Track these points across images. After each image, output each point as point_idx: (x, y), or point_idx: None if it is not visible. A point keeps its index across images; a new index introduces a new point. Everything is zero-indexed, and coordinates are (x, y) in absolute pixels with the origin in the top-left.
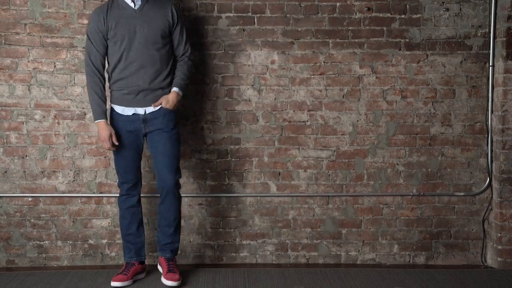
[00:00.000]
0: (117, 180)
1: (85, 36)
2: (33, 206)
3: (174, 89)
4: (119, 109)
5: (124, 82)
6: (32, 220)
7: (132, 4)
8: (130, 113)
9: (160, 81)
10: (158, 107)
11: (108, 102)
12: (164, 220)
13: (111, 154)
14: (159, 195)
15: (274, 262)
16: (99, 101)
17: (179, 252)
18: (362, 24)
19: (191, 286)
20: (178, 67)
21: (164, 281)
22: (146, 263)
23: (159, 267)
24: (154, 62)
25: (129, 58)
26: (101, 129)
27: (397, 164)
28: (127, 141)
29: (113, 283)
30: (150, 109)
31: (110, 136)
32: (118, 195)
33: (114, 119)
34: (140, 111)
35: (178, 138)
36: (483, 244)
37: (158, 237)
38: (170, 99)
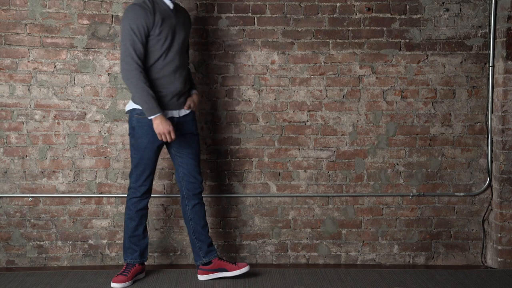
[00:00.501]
0: (132, 182)
1: (85, 37)
2: (33, 206)
3: (195, 91)
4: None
5: (161, 83)
6: (32, 220)
7: (170, 4)
8: (168, 116)
9: (187, 84)
10: (189, 110)
11: (132, 104)
12: (202, 220)
13: (111, 154)
14: (184, 198)
15: (274, 263)
16: (152, 95)
17: (178, 252)
18: (362, 24)
19: (191, 286)
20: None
21: (240, 271)
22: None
23: (209, 276)
24: (185, 64)
25: (168, 58)
26: (162, 121)
27: (397, 164)
28: (156, 145)
29: (114, 285)
30: (182, 112)
31: (170, 130)
32: (123, 195)
33: (144, 122)
34: (175, 114)
35: (199, 140)
36: (483, 244)
37: (199, 241)
38: (196, 101)
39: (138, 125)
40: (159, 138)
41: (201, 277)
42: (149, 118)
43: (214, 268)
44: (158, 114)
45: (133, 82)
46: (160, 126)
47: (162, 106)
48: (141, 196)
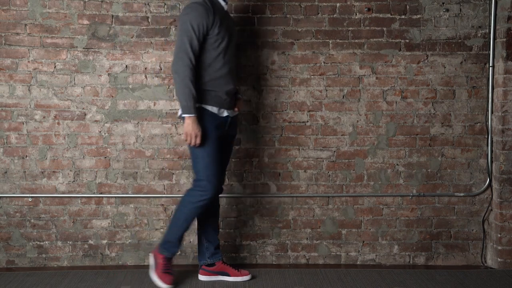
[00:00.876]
0: (201, 186)
1: (85, 37)
2: (33, 207)
3: (239, 94)
4: (214, 109)
5: (218, 83)
6: (32, 221)
7: (225, 6)
8: (224, 115)
9: (236, 85)
10: (237, 112)
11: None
12: (217, 220)
13: (111, 155)
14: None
15: (274, 263)
16: (194, 95)
17: (179, 252)
18: (362, 24)
19: (191, 286)
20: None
21: (241, 278)
22: (146, 262)
23: (210, 278)
24: (236, 65)
25: (225, 58)
26: (193, 123)
27: (397, 164)
28: (219, 145)
29: (161, 284)
30: (233, 113)
31: (198, 135)
32: (123, 195)
33: (205, 120)
34: (230, 113)
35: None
36: (483, 244)
37: (207, 241)
38: (241, 104)
39: (201, 123)
40: (185, 139)
41: (202, 277)
42: (183, 115)
43: (217, 271)
44: (193, 115)
45: (181, 76)
46: (190, 127)
47: (219, 105)
48: (209, 200)
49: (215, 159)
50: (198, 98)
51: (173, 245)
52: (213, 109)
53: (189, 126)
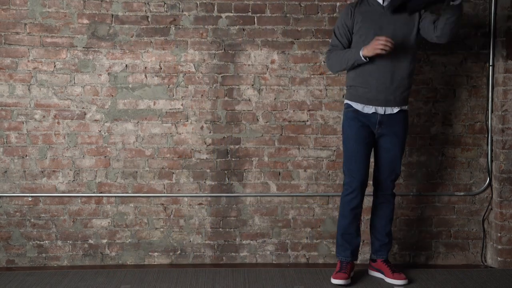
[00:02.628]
0: (344, 179)
1: (85, 36)
2: (33, 206)
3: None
4: (358, 106)
5: (363, 79)
6: (32, 220)
7: (380, 1)
8: (370, 112)
9: (402, 82)
10: (397, 110)
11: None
12: (382, 219)
13: (111, 154)
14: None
15: (274, 262)
16: (345, 51)
17: (178, 252)
18: None
19: (191, 286)
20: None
21: (393, 281)
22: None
23: (372, 273)
24: (399, 62)
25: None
26: (367, 46)
27: None
28: (361, 139)
29: (337, 281)
30: (388, 110)
31: (376, 41)
32: (123, 194)
33: (350, 117)
34: (380, 110)
35: (405, 139)
36: (483, 244)
37: (373, 237)
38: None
39: (344, 118)
40: (380, 52)
41: (369, 270)
42: (363, 57)
43: (376, 268)
44: (361, 49)
45: (330, 61)
46: (370, 47)
47: (365, 101)
48: (352, 192)
49: (351, 153)
50: (347, 95)
51: (339, 246)
52: (357, 106)
53: (369, 49)
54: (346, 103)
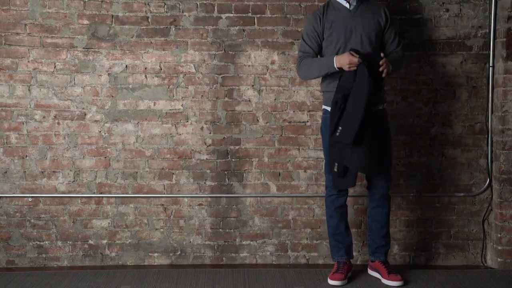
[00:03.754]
0: (327, 181)
1: (85, 37)
2: (33, 207)
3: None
4: (328, 108)
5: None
6: (32, 221)
7: (347, 5)
8: None
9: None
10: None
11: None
12: (377, 223)
13: (111, 155)
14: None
15: (274, 263)
16: (320, 58)
17: (178, 252)
18: None
19: (191, 286)
20: (391, 54)
21: (388, 282)
22: (146, 263)
23: (371, 272)
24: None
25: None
26: (340, 58)
27: (397, 164)
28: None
29: (332, 282)
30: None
31: (349, 55)
32: (123, 195)
33: (326, 120)
34: None
35: (388, 136)
36: (483, 244)
37: (370, 239)
38: (385, 59)
39: (323, 123)
40: (349, 69)
41: (369, 271)
42: (335, 67)
43: (374, 268)
44: (334, 57)
45: (306, 71)
46: (342, 59)
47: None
48: (337, 193)
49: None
50: (324, 100)
51: (332, 247)
52: (328, 109)
53: (340, 61)
54: (324, 109)
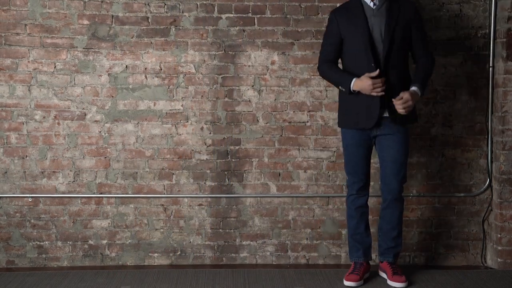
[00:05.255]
0: (347, 180)
1: (85, 37)
2: (33, 207)
3: (413, 88)
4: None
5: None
6: (32, 221)
7: (371, 4)
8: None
9: (394, 88)
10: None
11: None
12: (388, 224)
13: (111, 155)
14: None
15: (274, 263)
16: (341, 73)
17: (178, 252)
18: None
19: (191, 286)
20: (418, 67)
21: (391, 283)
22: (146, 263)
23: (380, 273)
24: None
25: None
26: (361, 83)
27: None
28: (357, 140)
29: (348, 283)
30: (383, 113)
31: (369, 79)
32: (123, 195)
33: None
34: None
35: (406, 142)
36: (483, 245)
37: (380, 240)
38: (405, 98)
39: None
40: (377, 94)
41: (379, 271)
42: (352, 90)
43: (382, 268)
44: (353, 80)
45: (326, 77)
46: (363, 86)
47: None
48: (356, 193)
49: (350, 157)
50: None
51: (350, 248)
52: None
53: (362, 89)
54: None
